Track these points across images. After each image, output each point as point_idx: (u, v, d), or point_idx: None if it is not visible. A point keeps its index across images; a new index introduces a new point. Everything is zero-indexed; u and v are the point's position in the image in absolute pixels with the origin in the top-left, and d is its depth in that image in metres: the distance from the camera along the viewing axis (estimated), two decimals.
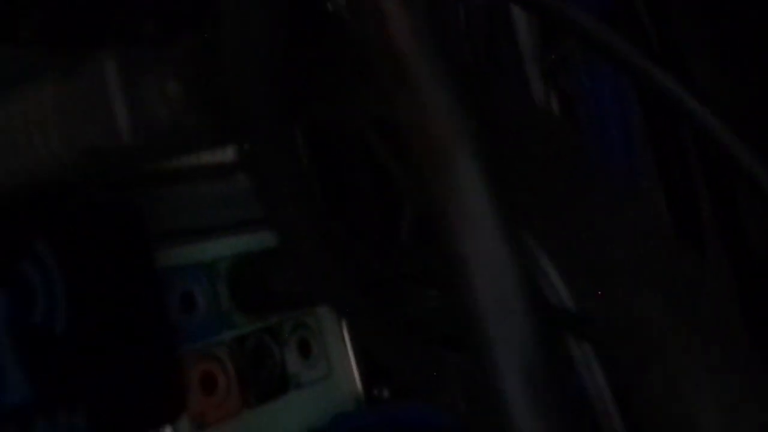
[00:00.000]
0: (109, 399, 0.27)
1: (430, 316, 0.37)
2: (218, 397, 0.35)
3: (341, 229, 0.33)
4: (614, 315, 0.29)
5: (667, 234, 0.29)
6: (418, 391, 0.41)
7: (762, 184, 0.28)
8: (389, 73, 0.17)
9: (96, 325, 0.27)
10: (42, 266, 0.27)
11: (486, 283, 0.16)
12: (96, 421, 0.27)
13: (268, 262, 0.37)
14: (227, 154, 0.38)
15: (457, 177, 0.16)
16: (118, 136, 0.23)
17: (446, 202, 0.17)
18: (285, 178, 0.23)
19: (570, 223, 0.24)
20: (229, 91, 0.22)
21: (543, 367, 0.15)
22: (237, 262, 0.37)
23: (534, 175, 0.20)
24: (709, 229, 0.43)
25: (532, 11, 0.45)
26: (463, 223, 0.16)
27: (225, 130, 0.24)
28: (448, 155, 0.17)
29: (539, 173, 0.21)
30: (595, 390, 0.35)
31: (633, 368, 0.27)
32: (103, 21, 0.36)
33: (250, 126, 0.22)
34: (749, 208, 0.49)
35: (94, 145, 0.24)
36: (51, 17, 0.34)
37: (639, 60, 0.29)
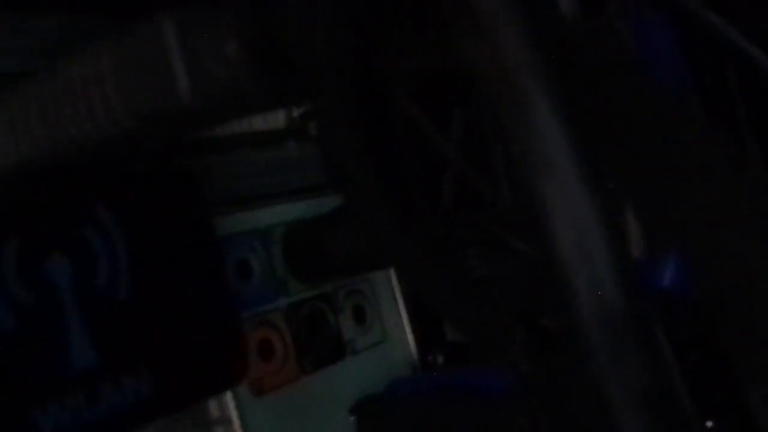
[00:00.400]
0: (172, 364, 0.27)
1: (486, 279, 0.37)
2: (275, 363, 0.36)
3: (404, 190, 0.33)
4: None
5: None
6: (473, 356, 0.40)
7: None
8: (461, 15, 0.17)
9: (158, 290, 0.28)
10: (104, 232, 0.27)
11: (567, 226, 0.15)
12: (161, 385, 0.27)
13: (322, 228, 0.37)
14: (279, 121, 0.38)
15: (534, 117, 0.16)
16: (178, 99, 0.23)
17: (524, 143, 0.16)
18: (352, 137, 0.23)
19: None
20: (291, 50, 0.22)
21: (628, 317, 0.15)
22: (291, 229, 0.37)
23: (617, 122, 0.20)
24: None
25: None
26: (544, 166, 0.16)
27: (285, 92, 0.24)
28: (524, 96, 0.16)
29: (621, 120, 0.20)
30: None
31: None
32: None
33: (315, 86, 0.22)
34: None
35: (154, 108, 0.24)
36: None
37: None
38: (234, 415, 0.33)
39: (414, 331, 0.42)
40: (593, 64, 0.17)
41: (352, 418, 0.38)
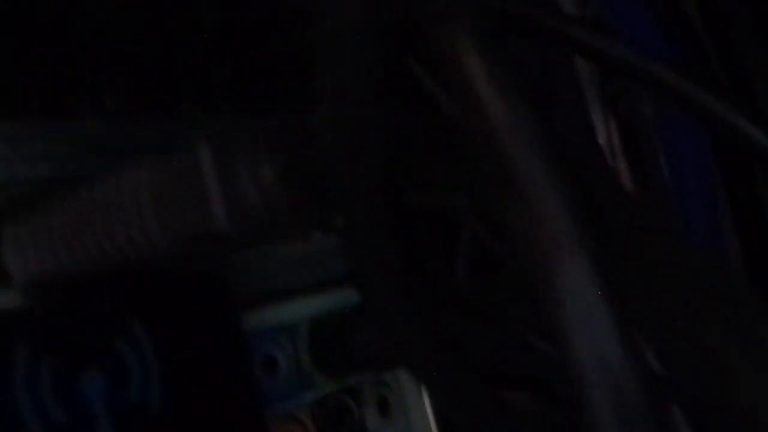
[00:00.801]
0: None
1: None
2: None
3: (426, 299, 0.33)
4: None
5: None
6: None
7: None
8: (495, 172, 0.17)
9: (188, 398, 0.28)
10: (136, 344, 0.27)
11: (607, 399, 0.15)
12: None
13: (347, 323, 0.37)
14: None
15: (569, 284, 0.16)
16: (214, 224, 0.24)
17: (557, 306, 0.16)
18: (380, 264, 0.23)
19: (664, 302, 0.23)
20: (326, 175, 0.22)
21: (642, 404, 0.15)
22: (317, 323, 0.37)
23: (636, 262, 0.20)
24: None
25: (596, 63, 0.44)
26: (579, 331, 0.16)
27: (320, 216, 0.24)
28: (559, 262, 0.16)
29: (639, 258, 0.20)
30: None
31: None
32: (186, 87, 0.37)
33: (348, 211, 0.22)
34: None
35: (190, 233, 0.24)
36: (136, 87, 0.35)
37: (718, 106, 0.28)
38: None
39: (437, 422, 0.41)
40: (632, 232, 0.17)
41: None
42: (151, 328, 0.28)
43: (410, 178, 0.23)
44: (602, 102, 0.52)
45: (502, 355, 0.37)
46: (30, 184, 0.29)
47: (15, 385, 0.24)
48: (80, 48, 0.35)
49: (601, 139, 0.52)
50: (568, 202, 0.16)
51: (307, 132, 0.23)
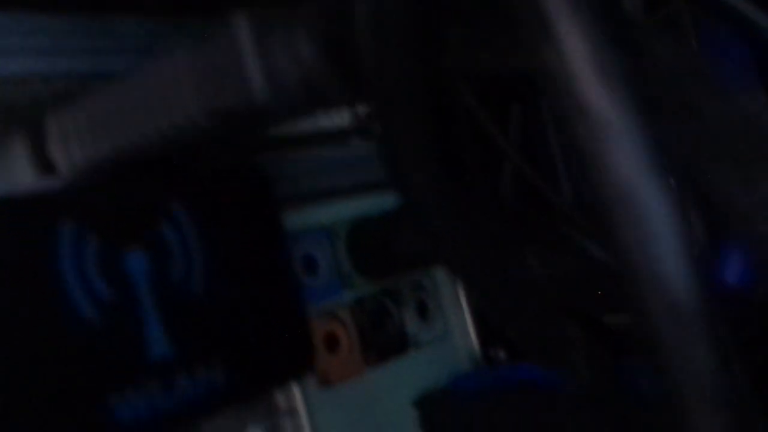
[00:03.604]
0: (243, 355, 0.28)
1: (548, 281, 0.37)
2: (341, 356, 0.36)
3: (463, 191, 0.33)
4: None
5: None
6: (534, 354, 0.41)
7: None
8: (532, 24, 0.17)
9: (229, 284, 0.28)
10: (179, 228, 0.28)
11: (634, 222, 0.15)
12: (233, 375, 0.28)
13: (386, 225, 0.37)
14: (345, 119, 0.38)
15: (610, 133, 0.16)
16: (252, 98, 0.24)
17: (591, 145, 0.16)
18: (414, 141, 0.24)
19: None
20: (362, 51, 0.22)
21: (698, 312, 0.15)
22: (356, 226, 0.38)
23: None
24: None
25: None
26: (612, 167, 0.16)
27: (356, 92, 0.24)
28: (599, 115, 0.16)
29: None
30: None
31: None
32: None
33: (382, 88, 0.23)
34: None
35: (228, 107, 0.24)
36: None
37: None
38: (301, 405, 0.34)
39: (476, 325, 0.42)
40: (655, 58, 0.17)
41: (415, 412, 0.38)
42: (193, 214, 0.28)
43: (444, 43, 0.23)
44: None
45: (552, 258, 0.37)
46: (70, 77, 0.30)
47: (61, 255, 0.25)
48: None
49: None
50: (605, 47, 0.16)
51: (344, 6, 0.23)
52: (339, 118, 0.38)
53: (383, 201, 0.39)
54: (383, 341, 0.38)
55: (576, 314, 0.28)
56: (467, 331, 0.42)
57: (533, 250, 0.36)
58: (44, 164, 0.29)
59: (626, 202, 0.16)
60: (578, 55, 0.16)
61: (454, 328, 0.42)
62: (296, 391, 0.34)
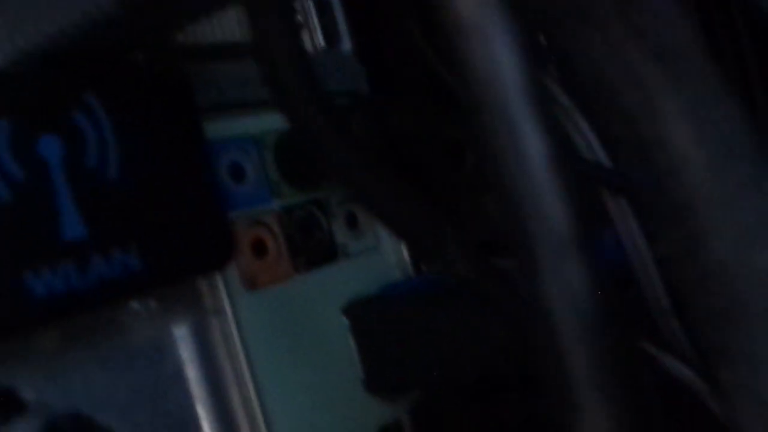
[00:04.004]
0: (159, 242, 0.29)
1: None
2: (268, 260, 0.37)
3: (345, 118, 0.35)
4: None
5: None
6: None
7: None
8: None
9: (145, 176, 0.29)
10: (93, 117, 0.28)
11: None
12: (148, 261, 0.29)
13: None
14: None
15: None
16: None
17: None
18: (289, 62, 0.25)
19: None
20: None
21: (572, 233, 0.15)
22: (283, 136, 0.39)
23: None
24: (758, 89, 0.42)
25: None
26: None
27: None
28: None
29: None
30: (631, 243, 0.36)
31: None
32: None
33: None
34: None
35: None
36: None
37: None
38: (227, 307, 0.35)
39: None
40: None
41: (345, 319, 0.40)
42: (110, 106, 0.29)
43: None
44: None
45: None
46: None
47: None
48: None
49: None
50: None
51: None
52: None
53: None
54: (312, 249, 0.39)
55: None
56: (399, 245, 0.43)
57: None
58: None
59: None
60: None
61: (385, 241, 0.43)
62: (223, 293, 0.35)
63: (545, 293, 0.16)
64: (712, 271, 0.15)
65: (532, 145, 0.15)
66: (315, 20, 0.43)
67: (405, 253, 0.43)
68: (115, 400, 0.31)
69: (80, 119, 0.28)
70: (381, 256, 0.42)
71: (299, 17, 0.41)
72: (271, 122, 0.39)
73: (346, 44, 0.43)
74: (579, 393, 0.15)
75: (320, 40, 0.43)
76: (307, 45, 0.42)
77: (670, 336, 0.36)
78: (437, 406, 0.41)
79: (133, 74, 0.31)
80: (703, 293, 0.15)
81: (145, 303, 0.33)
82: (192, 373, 0.34)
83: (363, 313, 0.39)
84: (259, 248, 0.37)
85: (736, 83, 0.42)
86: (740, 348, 0.15)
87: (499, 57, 0.15)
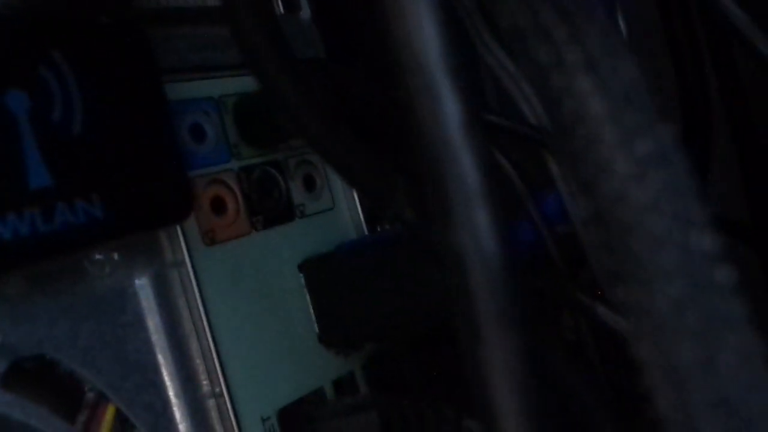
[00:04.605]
0: (121, 193, 0.31)
1: None
2: (227, 218, 0.39)
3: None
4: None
5: None
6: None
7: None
8: None
9: (110, 131, 0.31)
10: (59, 74, 0.30)
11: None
12: (110, 211, 0.30)
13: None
14: None
15: None
16: None
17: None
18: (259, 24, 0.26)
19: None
20: None
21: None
22: (242, 99, 0.40)
23: None
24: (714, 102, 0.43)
25: None
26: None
27: None
28: None
29: None
30: (571, 201, 0.38)
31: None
32: None
33: None
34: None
35: None
36: None
37: None
38: (187, 260, 0.37)
39: (363, 203, 0.45)
40: None
41: (300, 275, 0.41)
42: (74, 63, 0.31)
43: None
44: None
45: None
46: None
47: None
48: None
49: None
50: None
51: None
52: None
53: None
54: (269, 208, 0.41)
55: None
56: (355, 207, 0.45)
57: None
58: None
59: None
60: None
61: (342, 203, 0.45)
62: (183, 247, 0.37)
63: (456, 239, 0.17)
64: (608, 204, 0.17)
65: (448, 105, 0.17)
66: None
67: (361, 217, 0.45)
68: (78, 345, 0.33)
69: (46, 75, 0.30)
70: (337, 218, 0.44)
71: None
72: (231, 85, 0.41)
73: (305, 11, 0.45)
74: (483, 329, 0.17)
75: (280, 7, 0.44)
76: None
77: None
78: (389, 359, 0.43)
79: (97, 34, 0.32)
80: (600, 224, 0.17)
81: (108, 254, 0.34)
82: (152, 322, 0.36)
83: (317, 270, 0.41)
84: (218, 206, 0.39)
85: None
86: (631, 270, 0.17)
87: (418, 26, 0.17)
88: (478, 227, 0.17)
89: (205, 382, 0.36)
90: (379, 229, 0.45)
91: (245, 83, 0.41)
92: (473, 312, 0.17)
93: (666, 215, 0.17)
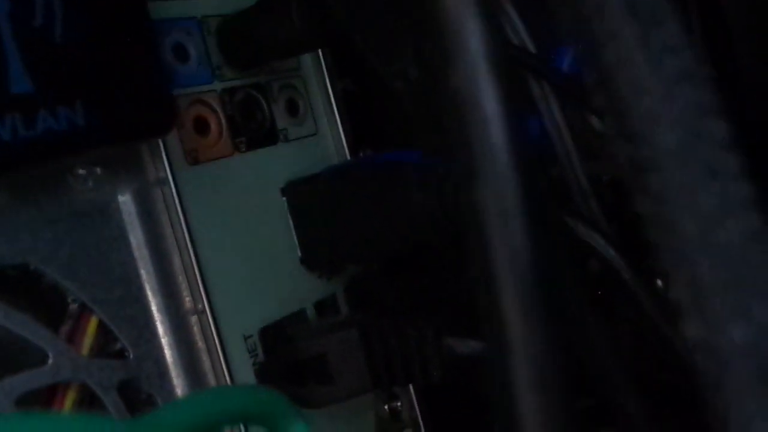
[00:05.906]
0: (104, 102, 0.31)
1: None
2: (210, 138, 0.39)
3: None
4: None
5: None
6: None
7: None
8: None
9: (92, 40, 0.31)
10: None
11: None
12: (92, 119, 0.30)
13: (252, 16, 0.40)
14: None
15: None
16: None
17: None
18: None
19: None
20: None
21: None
22: (225, 20, 0.40)
23: None
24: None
25: None
26: None
27: None
28: None
29: None
30: (553, 126, 0.38)
31: None
32: None
33: None
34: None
35: None
36: None
37: None
38: (170, 177, 0.37)
39: (345, 127, 0.45)
40: None
41: (283, 198, 0.42)
42: None
43: None
44: None
45: None
46: None
47: None
48: None
49: None
50: None
51: None
52: None
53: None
54: (253, 131, 0.41)
55: None
56: (338, 132, 0.45)
57: None
58: None
59: None
60: None
61: (325, 129, 0.45)
62: (165, 164, 0.37)
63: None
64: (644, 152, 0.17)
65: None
66: None
67: (344, 143, 0.45)
68: (61, 257, 0.33)
69: None
70: (320, 143, 0.44)
71: None
72: (213, 4, 0.40)
73: None
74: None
75: None
76: None
77: (590, 215, 0.39)
78: (371, 281, 0.43)
79: None
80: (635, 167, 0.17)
81: (91, 168, 0.34)
82: (134, 237, 0.36)
83: (300, 193, 0.41)
84: (201, 126, 0.39)
85: None
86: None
87: None
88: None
89: (187, 299, 0.37)
90: (362, 155, 0.45)
91: (228, 3, 0.41)
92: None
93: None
